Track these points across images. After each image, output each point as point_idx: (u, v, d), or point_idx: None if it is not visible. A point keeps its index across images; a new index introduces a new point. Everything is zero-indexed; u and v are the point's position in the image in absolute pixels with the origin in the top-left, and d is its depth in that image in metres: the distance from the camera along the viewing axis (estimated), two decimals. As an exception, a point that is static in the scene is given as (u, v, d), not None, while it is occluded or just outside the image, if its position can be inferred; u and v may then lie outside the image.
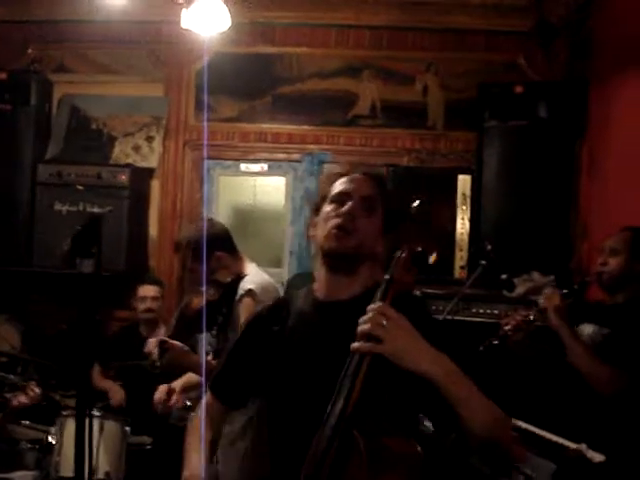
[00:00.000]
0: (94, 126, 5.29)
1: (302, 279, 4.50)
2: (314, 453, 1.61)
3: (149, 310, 4.62)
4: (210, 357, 3.05)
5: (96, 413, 3.73)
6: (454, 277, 4.65)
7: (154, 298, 4.64)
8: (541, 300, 3.14)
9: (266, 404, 1.93)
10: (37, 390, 2.52)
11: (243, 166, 5.33)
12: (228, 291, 3.19)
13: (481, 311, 4.18)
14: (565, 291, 3.15)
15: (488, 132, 4.71)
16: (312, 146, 5.21)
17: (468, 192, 4.76)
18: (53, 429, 3.77)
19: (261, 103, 5.27)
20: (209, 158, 5.23)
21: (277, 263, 5.21)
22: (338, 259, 1.84)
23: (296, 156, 5.24)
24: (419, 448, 1.62)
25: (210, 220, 3.41)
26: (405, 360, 1.60)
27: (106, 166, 5.02)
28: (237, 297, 3.13)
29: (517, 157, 4.64)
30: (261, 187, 5.39)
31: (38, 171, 4.94)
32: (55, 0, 5.19)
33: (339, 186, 1.91)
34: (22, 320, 5.16)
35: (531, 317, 3.15)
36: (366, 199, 1.87)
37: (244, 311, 3.03)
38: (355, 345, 1.61)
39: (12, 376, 3.87)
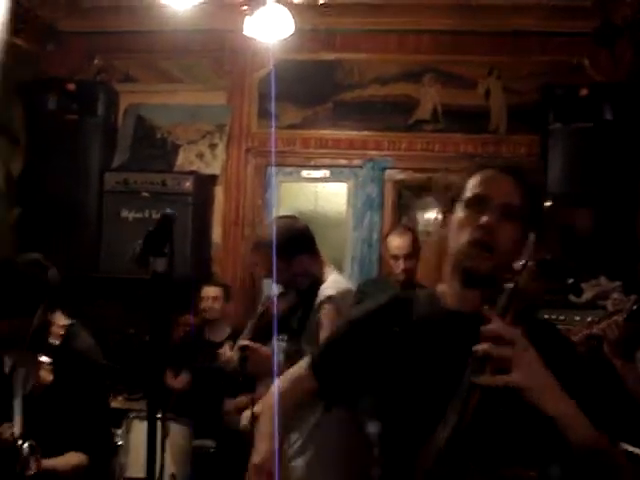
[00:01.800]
0: (159, 135, 5.39)
1: (374, 285, 4.48)
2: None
3: (211, 309, 4.70)
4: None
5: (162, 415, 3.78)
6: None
7: (214, 298, 4.71)
8: (609, 306, 3.00)
9: (372, 402, 1.78)
10: None
11: (305, 172, 5.36)
12: (306, 296, 3.04)
13: (546, 317, 4.11)
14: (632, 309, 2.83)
15: (552, 135, 4.64)
16: (373, 152, 5.22)
17: (532, 196, 4.69)
18: (119, 431, 3.83)
19: (322, 109, 5.29)
20: (271, 165, 5.29)
21: (339, 269, 5.20)
22: (478, 280, 1.63)
23: (357, 162, 5.25)
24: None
25: (293, 219, 3.25)
26: (542, 400, 1.39)
27: (170, 173, 5.11)
28: (317, 303, 2.96)
29: (582, 160, 4.57)
30: (322, 193, 5.41)
31: (105, 179, 5.04)
32: (120, 11, 5.28)
33: (476, 186, 1.66)
34: (90, 325, 5.26)
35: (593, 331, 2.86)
36: (507, 206, 1.62)
37: (325, 318, 2.88)
38: (482, 378, 1.40)
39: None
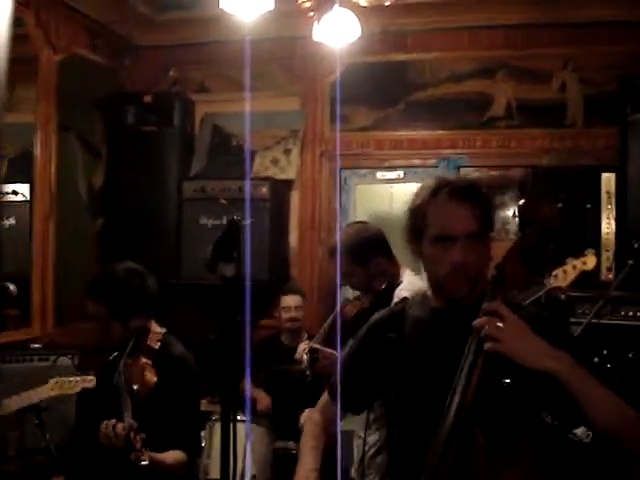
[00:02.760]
0: (234, 142, 5.48)
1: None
2: (435, 448, 1.63)
3: (293, 319, 4.71)
4: None
5: (243, 418, 3.83)
6: (600, 279, 4.47)
7: (297, 307, 4.73)
8: None
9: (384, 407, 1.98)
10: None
11: (379, 174, 5.36)
12: (382, 299, 3.02)
13: (630, 314, 4.00)
14: None
15: (632, 126, 4.50)
16: (448, 151, 5.17)
17: (613, 190, 4.57)
18: (203, 432, 3.90)
19: (395, 110, 5.28)
20: (345, 168, 5.31)
21: (416, 270, 5.17)
22: (456, 300, 1.83)
23: (432, 161, 5.21)
24: (537, 443, 1.64)
25: (365, 224, 3.30)
26: (527, 359, 1.60)
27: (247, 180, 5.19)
28: (394, 304, 2.96)
29: (663, 151, 4.43)
30: (398, 194, 5.39)
31: (183, 188, 5.17)
32: (192, 24, 5.39)
33: (438, 221, 1.82)
34: (172, 331, 5.38)
35: None
36: (472, 235, 1.80)
37: None
38: (485, 346, 1.63)
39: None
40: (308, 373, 3.07)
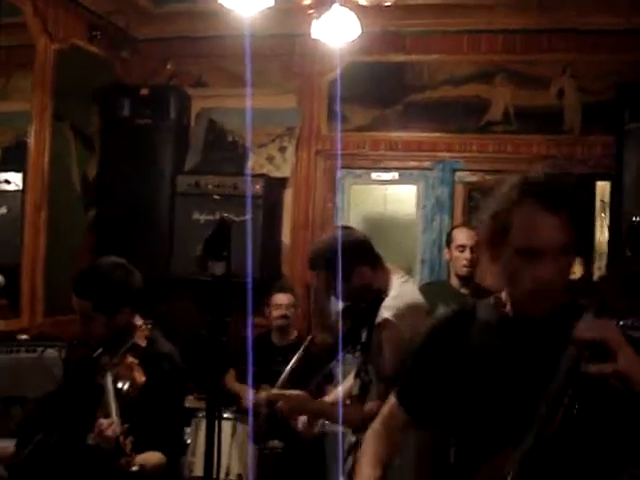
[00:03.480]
0: (230, 138, 5.45)
1: (431, 289, 4.44)
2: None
3: (283, 317, 4.68)
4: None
5: (229, 416, 3.82)
6: (592, 286, 4.45)
7: (288, 305, 4.71)
8: None
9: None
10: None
11: (374, 175, 5.35)
12: (366, 315, 2.85)
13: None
14: None
15: (629, 135, 4.51)
16: (444, 154, 5.16)
17: (607, 199, 4.57)
18: (188, 429, 3.88)
19: (392, 111, 5.27)
20: (341, 167, 5.29)
21: (408, 272, 5.14)
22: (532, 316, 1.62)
23: (427, 164, 5.20)
24: None
25: (347, 228, 2.95)
26: (636, 383, 1.35)
27: (242, 176, 5.15)
28: (375, 323, 2.75)
29: (660, 160, 4.43)
30: (392, 196, 5.39)
31: (177, 182, 5.14)
32: (191, 18, 5.37)
33: (526, 235, 1.58)
34: (163, 327, 5.35)
35: None
36: (561, 250, 1.57)
37: (385, 344, 2.70)
38: (591, 368, 1.36)
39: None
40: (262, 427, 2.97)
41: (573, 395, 1.39)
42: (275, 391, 3.10)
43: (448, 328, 1.80)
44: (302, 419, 3.17)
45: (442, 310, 2.17)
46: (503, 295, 1.71)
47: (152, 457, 2.47)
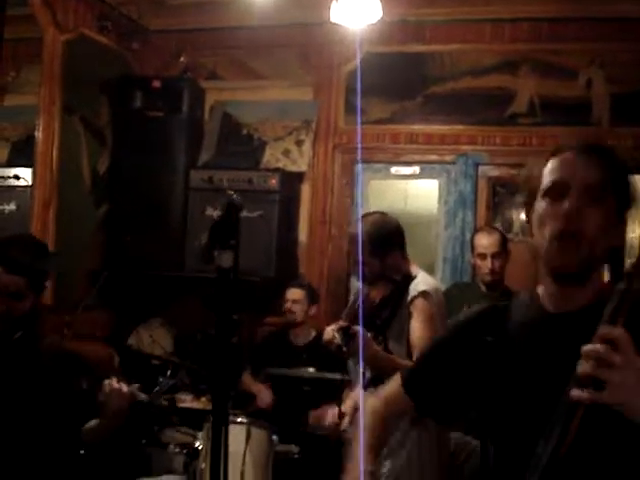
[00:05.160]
0: (245, 131, 5.30)
1: (457, 290, 4.28)
2: None
3: (289, 311, 4.54)
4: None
5: (243, 420, 3.65)
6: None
7: (295, 301, 4.55)
8: None
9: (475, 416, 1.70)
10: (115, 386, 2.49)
11: (394, 169, 5.16)
12: (397, 291, 3.01)
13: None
14: None
15: (661, 126, 4.31)
16: (466, 147, 4.96)
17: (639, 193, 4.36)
18: (200, 434, 3.72)
19: (412, 103, 5.08)
20: (359, 162, 5.14)
21: (430, 270, 4.95)
22: (569, 276, 1.48)
23: (449, 158, 5.01)
24: None
25: (384, 215, 3.20)
26: (633, 412, 1.26)
27: (257, 171, 5.01)
28: (409, 298, 2.94)
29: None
30: (413, 191, 5.22)
31: (190, 177, 4.99)
32: (205, 8, 5.23)
33: (553, 172, 1.49)
34: (175, 324, 5.23)
35: None
36: (591, 188, 1.45)
37: (418, 313, 2.89)
38: (573, 393, 1.25)
39: (162, 379, 3.86)
40: (345, 349, 2.87)
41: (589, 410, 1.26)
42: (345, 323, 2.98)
43: (478, 327, 1.67)
44: (333, 413, 3.11)
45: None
46: (539, 289, 1.58)
47: None
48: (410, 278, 3.00)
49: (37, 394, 2.39)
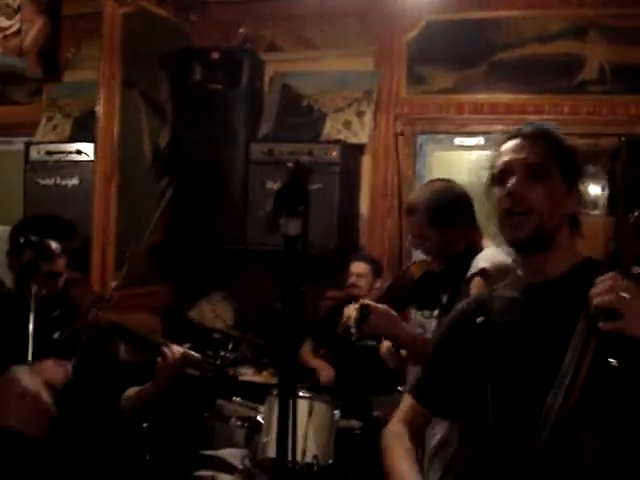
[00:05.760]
0: (305, 103, 5.22)
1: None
2: (532, 455, 1.42)
3: (353, 285, 4.50)
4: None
5: (306, 395, 3.61)
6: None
7: (360, 275, 4.50)
8: None
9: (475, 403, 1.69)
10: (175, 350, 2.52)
11: (457, 140, 5.03)
12: (457, 265, 2.66)
13: None
14: None
15: None
16: (533, 116, 4.77)
17: None
18: (262, 408, 3.70)
19: (476, 72, 4.92)
20: (421, 133, 5.02)
21: (495, 243, 4.87)
22: (525, 246, 1.65)
23: (515, 128, 4.84)
24: None
25: (448, 182, 2.84)
26: None
27: (317, 143, 4.93)
28: (468, 275, 2.58)
29: None
30: (477, 162, 5.06)
31: (251, 150, 4.94)
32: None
33: (499, 159, 1.70)
34: (236, 298, 5.23)
35: None
36: (532, 166, 1.65)
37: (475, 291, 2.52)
38: (600, 324, 1.40)
39: (223, 352, 3.85)
40: (353, 331, 2.72)
41: (599, 349, 1.41)
42: (366, 301, 2.78)
43: (470, 313, 1.78)
44: (386, 344, 2.95)
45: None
46: (518, 268, 1.75)
47: None
48: (474, 252, 2.65)
49: (78, 369, 2.38)
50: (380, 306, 2.69)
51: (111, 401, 2.59)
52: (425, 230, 2.69)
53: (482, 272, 2.54)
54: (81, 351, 2.36)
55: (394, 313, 2.68)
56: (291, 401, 1.46)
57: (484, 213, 1.99)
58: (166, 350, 2.56)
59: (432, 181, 3.01)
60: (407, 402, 1.87)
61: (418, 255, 3.30)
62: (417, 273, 2.87)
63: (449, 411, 1.87)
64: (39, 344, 2.37)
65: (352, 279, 4.50)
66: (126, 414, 2.63)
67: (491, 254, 2.64)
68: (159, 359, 2.56)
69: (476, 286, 2.53)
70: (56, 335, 2.47)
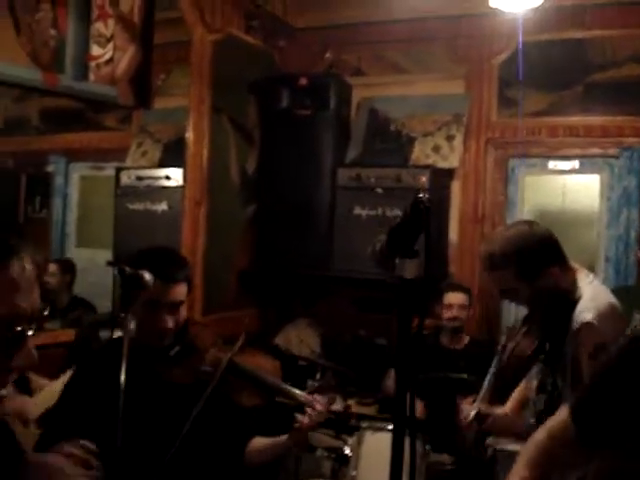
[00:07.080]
0: (393, 127, 5.15)
1: (621, 294, 3.95)
2: None
3: (455, 318, 4.37)
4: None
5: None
6: None
7: (461, 306, 4.37)
8: None
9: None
10: (319, 407, 2.31)
11: (551, 164, 4.88)
12: (557, 319, 2.43)
13: None
14: None
15: None
16: (631, 139, 4.60)
17: None
18: (350, 440, 3.60)
19: (571, 94, 4.77)
20: (513, 156, 4.89)
21: (590, 271, 4.67)
22: None
23: (612, 151, 4.66)
24: None
25: (530, 224, 2.56)
26: None
27: (405, 168, 4.84)
28: (572, 329, 2.35)
29: None
30: (571, 186, 4.90)
31: (338, 175, 4.89)
32: (351, 4, 5.13)
33: None
34: (321, 324, 5.17)
35: None
36: None
37: (585, 348, 2.29)
38: None
39: (310, 381, 3.78)
40: (472, 453, 2.67)
41: None
42: (483, 407, 2.74)
43: None
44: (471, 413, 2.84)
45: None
46: None
47: None
48: (572, 299, 2.40)
49: (201, 413, 2.23)
50: (495, 413, 2.69)
51: (237, 449, 2.45)
52: (515, 283, 2.45)
53: (587, 326, 2.33)
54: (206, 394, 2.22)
55: (503, 413, 2.67)
56: (409, 442, 1.36)
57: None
58: (309, 410, 2.41)
59: (512, 226, 2.77)
60: (563, 413, 1.69)
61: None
62: (526, 351, 2.68)
63: (598, 444, 1.67)
64: (154, 386, 2.28)
65: (453, 311, 4.38)
66: (249, 464, 2.49)
67: (593, 299, 2.42)
68: (299, 417, 2.40)
69: (583, 341, 2.33)
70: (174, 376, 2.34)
